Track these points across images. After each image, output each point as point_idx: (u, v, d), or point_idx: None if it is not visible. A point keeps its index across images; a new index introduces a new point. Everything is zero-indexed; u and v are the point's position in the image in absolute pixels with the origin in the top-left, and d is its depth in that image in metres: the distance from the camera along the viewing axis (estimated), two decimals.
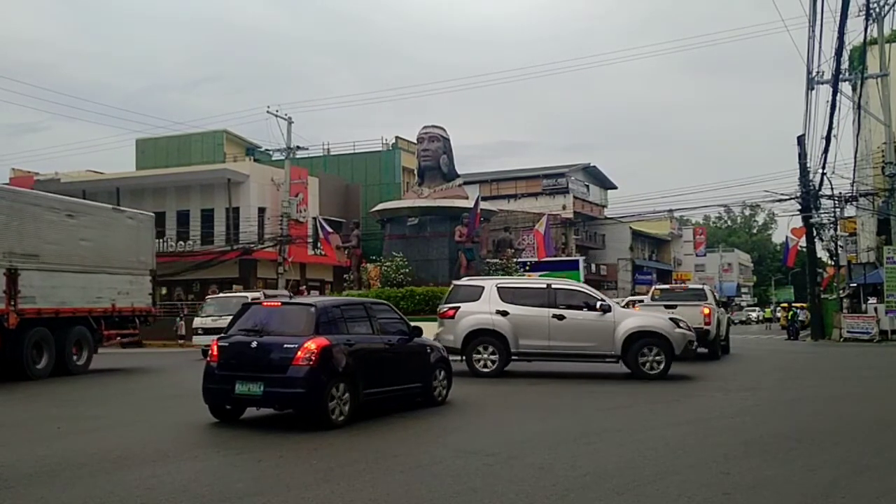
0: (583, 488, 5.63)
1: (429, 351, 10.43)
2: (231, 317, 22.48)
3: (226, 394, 8.71)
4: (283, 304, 10.13)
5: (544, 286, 14.22)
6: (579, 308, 13.53)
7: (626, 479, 5.90)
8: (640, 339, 13.24)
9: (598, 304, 13.55)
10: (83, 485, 5.98)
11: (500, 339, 13.46)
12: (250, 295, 23.36)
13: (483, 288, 13.94)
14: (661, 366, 13.18)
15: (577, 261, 30.14)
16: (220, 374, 8.73)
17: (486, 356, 13.51)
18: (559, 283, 15.09)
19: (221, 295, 26.01)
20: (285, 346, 8.39)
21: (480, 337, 13.54)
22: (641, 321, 13.58)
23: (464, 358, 13.74)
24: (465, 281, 15.34)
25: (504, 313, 13.48)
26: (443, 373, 10.51)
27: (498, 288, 13.89)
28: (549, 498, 5.37)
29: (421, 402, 10.16)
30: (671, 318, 13.78)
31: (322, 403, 8.29)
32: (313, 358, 8.22)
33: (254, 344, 8.58)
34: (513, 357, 13.62)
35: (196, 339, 23.95)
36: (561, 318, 13.39)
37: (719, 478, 5.95)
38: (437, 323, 14.31)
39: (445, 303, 14.40)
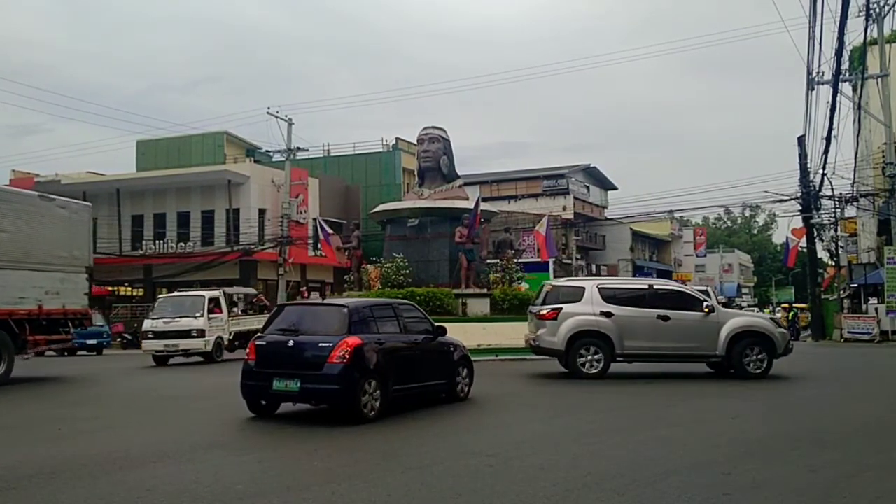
0: (583, 489, 5.63)
1: (452, 349, 10.81)
2: (185, 318, 19.79)
3: (263, 390, 9.15)
4: (318, 304, 10.57)
5: (646, 287, 14.25)
6: (682, 309, 13.53)
7: (627, 479, 5.90)
8: (744, 339, 13.28)
9: (704, 304, 13.60)
10: (84, 486, 5.99)
11: (604, 340, 13.35)
12: (207, 294, 21.29)
13: (584, 289, 13.82)
14: (764, 365, 13.26)
15: (547, 263, 30.18)
16: (257, 372, 9.15)
17: (590, 357, 13.39)
18: (661, 283, 15.21)
19: (176, 294, 23.02)
20: (320, 344, 8.82)
21: (584, 338, 13.41)
22: (746, 321, 13.69)
23: (565, 359, 13.62)
24: (563, 281, 15.28)
25: (608, 314, 13.36)
26: (465, 370, 10.90)
27: (599, 289, 13.77)
28: (549, 498, 5.37)
29: (445, 398, 10.56)
30: (772, 319, 14.01)
31: (356, 399, 8.73)
32: (347, 356, 8.66)
33: (290, 343, 9.03)
34: (617, 358, 13.52)
35: (146, 345, 20.77)
36: (666, 318, 13.33)
37: (720, 478, 5.95)
38: (532, 324, 14.18)
39: (543, 303, 14.10)
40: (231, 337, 21.47)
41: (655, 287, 14.24)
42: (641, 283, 15.45)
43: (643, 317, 13.37)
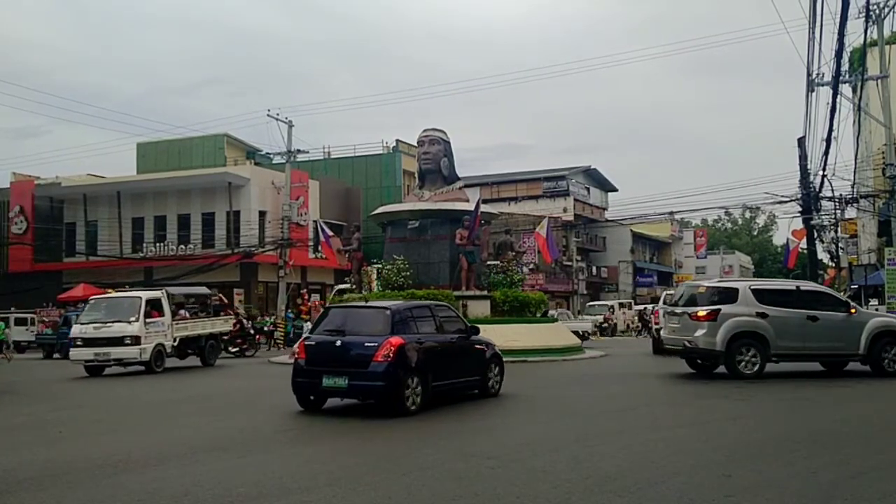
0: (584, 491, 5.63)
1: (484, 348, 11.52)
2: (118, 323, 17.84)
3: (313, 387, 9.90)
4: (362, 307, 11.26)
5: (793, 288, 14.53)
6: (827, 309, 13.82)
7: (628, 481, 5.90)
8: (883, 339, 13.64)
9: (847, 305, 14.01)
10: (85, 489, 5.99)
11: (760, 340, 13.49)
12: (144, 295, 18.78)
13: (738, 290, 13.95)
14: None
15: None
16: (307, 369, 9.88)
17: (748, 358, 13.50)
18: (807, 284, 15.55)
19: (114, 295, 20.39)
20: (366, 344, 9.53)
21: (743, 339, 13.52)
22: (886, 321, 14.21)
23: (724, 360, 13.62)
24: (714, 282, 15.39)
25: (763, 315, 13.53)
26: (496, 368, 11.59)
27: (752, 290, 13.92)
28: (550, 501, 5.38)
29: (478, 393, 11.27)
30: None
31: (399, 394, 9.43)
32: (391, 354, 9.35)
33: (338, 343, 9.77)
34: (772, 358, 13.70)
35: (73, 353, 18.22)
36: (815, 319, 13.58)
37: (721, 480, 5.95)
38: (681, 325, 14.15)
39: (687, 304, 14.26)
40: (175, 343, 18.98)
41: (802, 288, 14.54)
42: (788, 284, 15.80)
43: (794, 317, 13.60)
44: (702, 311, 13.74)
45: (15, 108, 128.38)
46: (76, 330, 18.45)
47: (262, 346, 27.85)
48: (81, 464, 6.96)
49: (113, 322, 17.97)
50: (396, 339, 9.48)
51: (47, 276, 39.14)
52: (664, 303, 22.49)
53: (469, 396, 11.31)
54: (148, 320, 18.13)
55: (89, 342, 17.86)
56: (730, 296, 13.80)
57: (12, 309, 34.40)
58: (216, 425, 9.50)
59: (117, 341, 17.70)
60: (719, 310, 13.56)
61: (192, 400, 12.66)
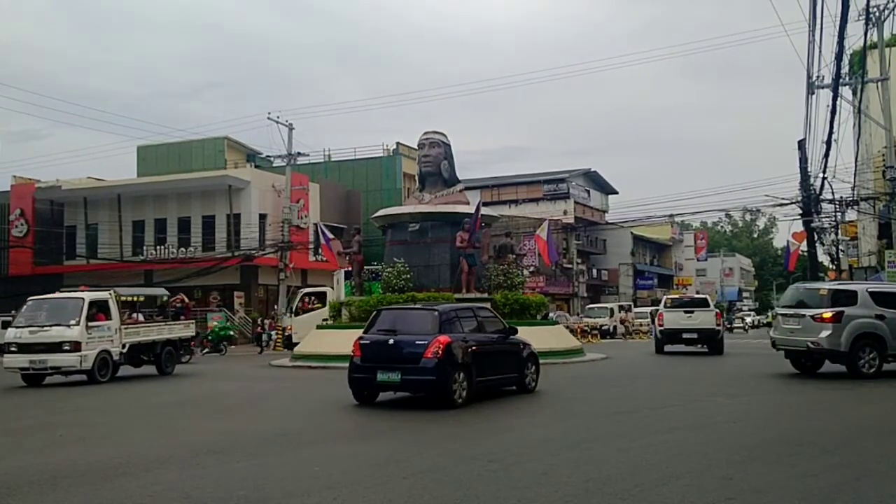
0: (585, 493, 5.62)
1: (522, 347, 12.28)
2: (56, 327, 16.01)
3: (368, 381, 10.73)
4: (411, 308, 12.32)
5: None
6: None
7: (629, 483, 5.89)
8: None
9: None
10: (85, 492, 5.98)
11: (879, 341, 13.91)
12: (87, 296, 16.65)
13: (857, 293, 14.26)
14: None
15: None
16: (363, 366, 10.69)
17: (867, 358, 13.87)
18: None
19: (55, 295, 17.69)
20: (417, 342, 10.37)
21: (864, 340, 13.89)
22: None
23: (847, 360, 13.93)
24: (833, 285, 15.66)
25: (882, 317, 13.93)
26: (533, 366, 12.34)
27: (869, 292, 14.28)
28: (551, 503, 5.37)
29: (516, 389, 12.03)
30: None
31: (448, 388, 10.25)
32: (440, 352, 10.16)
33: (391, 341, 10.61)
34: (889, 359, 14.08)
35: (7, 360, 16.10)
36: None
37: (722, 482, 5.94)
38: (801, 327, 14.34)
39: (801, 306, 14.53)
40: (124, 350, 17.01)
41: None
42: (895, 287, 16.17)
43: None
44: (827, 314, 13.98)
45: (16, 112, 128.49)
46: (10, 334, 16.33)
47: (204, 352, 26.94)
48: (81, 467, 6.95)
49: (51, 326, 15.97)
50: (444, 338, 10.28)
51: (48, 280, 39.03)
52: (665, 306, 23.05)
53: (506, 392, 11.89)
54: (91, 324, 16.17)
55: (24, 348, 15.83)
56: (849, 298, 14.11)
57: (13, 312, 34.37)
58: (217, 428, 9.49)
59: (55, 347, 15.68)
60: (843, 312, 13.86)
61: (192, 403, 12.65)
